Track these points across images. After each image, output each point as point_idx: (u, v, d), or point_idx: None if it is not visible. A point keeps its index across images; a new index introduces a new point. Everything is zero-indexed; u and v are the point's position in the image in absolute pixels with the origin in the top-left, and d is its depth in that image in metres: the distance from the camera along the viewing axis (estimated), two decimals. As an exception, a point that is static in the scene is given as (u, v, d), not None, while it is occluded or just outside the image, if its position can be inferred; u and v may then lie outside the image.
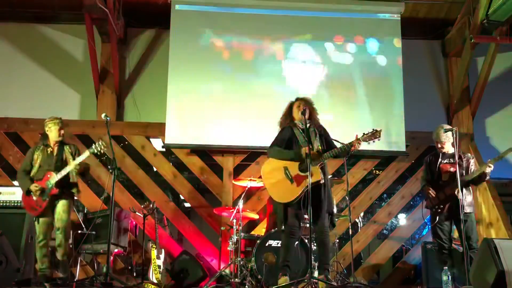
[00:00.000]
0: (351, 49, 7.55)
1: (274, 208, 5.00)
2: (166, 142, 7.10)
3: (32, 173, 5.24)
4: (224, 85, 7.32)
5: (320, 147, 4.74)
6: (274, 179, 4.72)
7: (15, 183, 7.19)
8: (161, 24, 7.75)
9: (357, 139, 4.61)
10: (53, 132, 5.31)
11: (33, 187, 5.11)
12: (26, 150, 7.13)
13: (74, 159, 5.25)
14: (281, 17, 7.57)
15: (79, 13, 7.04)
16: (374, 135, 4.65)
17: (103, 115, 5.04)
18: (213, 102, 7.24)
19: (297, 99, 4.97)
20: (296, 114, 4.87)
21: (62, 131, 5.35)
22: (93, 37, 7.07)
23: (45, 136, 5.41)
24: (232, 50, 7.42)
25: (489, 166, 4.97)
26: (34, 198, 5.11)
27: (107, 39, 7.43)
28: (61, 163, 5.25)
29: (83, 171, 5.34)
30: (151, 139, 7.55)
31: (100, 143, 5.14)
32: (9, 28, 7.75)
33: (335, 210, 6.53)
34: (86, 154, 5.14)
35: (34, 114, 7.32)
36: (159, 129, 7.28)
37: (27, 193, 5.16)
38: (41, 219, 5.17)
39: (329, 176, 7.16)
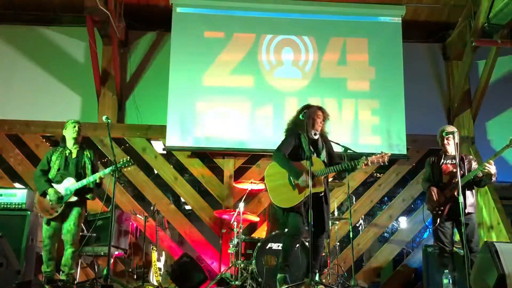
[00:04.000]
0: (352, 52, 7.56)
1: (273, 211, 4.98)
2: (167, 144, 7.10)
3: (50, 175, 5.21)
4: (225, 87, 7.32)
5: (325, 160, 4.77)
6: (277, 183, 4.71)
7: (16, 185, 7.21)
8: (162, 27, 7.77)
9: (365, 160, 4.60)
10: (69, 134, 5.32)
11: (53, 192, 5.07)
12: (27, 152, 7.21)
13: (91, 165, 5.28)
14: (282, 20, 7.58)
15: (80, 16, 7.06)
16: (383, 157, 4.65)
17: (104, 118, 5.03)
18: (215, 104, 7.25)
19: (318, 108, 4.87)
20: (316, 123, 4.79)
21: (77, 133, 5.31)
22: (94, 39, 7.07)
23: (63, 139, 5.41)
24: (233, 53, 7.42)
25: (488, 165, 4.92)
26: (51, 202, 5.09)
27: (108, 42, 7.45)
28: (80, 169, 5.25)
29: (101, 182, 5.34)
30: (152, 142, 7.55)
31: (126, 161, 5.11)
32: (11, 30, 7.76)
33: (336, 214, 6.58)
34: (109, 169, 5.11)
35: (35, 116, 7.33)
36: (160, 131, 7.28)
37: (43, 194, 5.12)
38: (52, 223, 5.14)
39: (330, 179, 7.21)
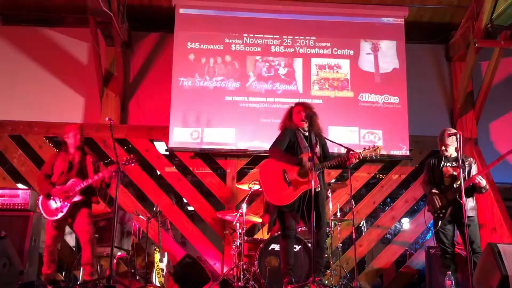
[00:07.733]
0: (355, 53, 7.56)
1: (267, 208, 4.96)
2: (169, 145, 7.11)
3: (53, 179, 5.25)
4: (228, 88, 7.33)
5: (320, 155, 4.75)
6: (271, 180, 4.69)
7: (19, 185, 7.22)
8: (165, 28, 7.78)
9: (357, 154, 4.60)
10: (70, 142, 5.35)
11: (57, 191, 5.12)
12: (30, 153, 7.22)
13: (95, 169, 5.32)
14: (285, 21, 7.59)
15: (83, 17, 7.07)
16: (375, 151, 4.65)
17: (107, 118, 5.06)
18: (217, 105, 7.25)
19: (297, 104, 4.93)
20: (296, 120, 4.84)
21: (80, 141, 5.36)
22: (97, 40, 7.09)
23: (64, 143, 5.45)
24: (236, 54, 7.43)
25: (478, 178, 4.96)
26: (55, 202, 5.12)
27: (111, 43, 7.46)
28: (84, 171, 5.29)
29: (110, 183, 5.33)
30: (154, 142, 7.57)
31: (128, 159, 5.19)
32: (14, 31, 7.78)
33: (338, 215, 6.56)
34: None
35: (38, 117, 7.35)
36: (162, 132, 7.28)
37: (47, 196, 5.15)
38: (56, 224, 5.16)
39: (333, 180, 7.20)
